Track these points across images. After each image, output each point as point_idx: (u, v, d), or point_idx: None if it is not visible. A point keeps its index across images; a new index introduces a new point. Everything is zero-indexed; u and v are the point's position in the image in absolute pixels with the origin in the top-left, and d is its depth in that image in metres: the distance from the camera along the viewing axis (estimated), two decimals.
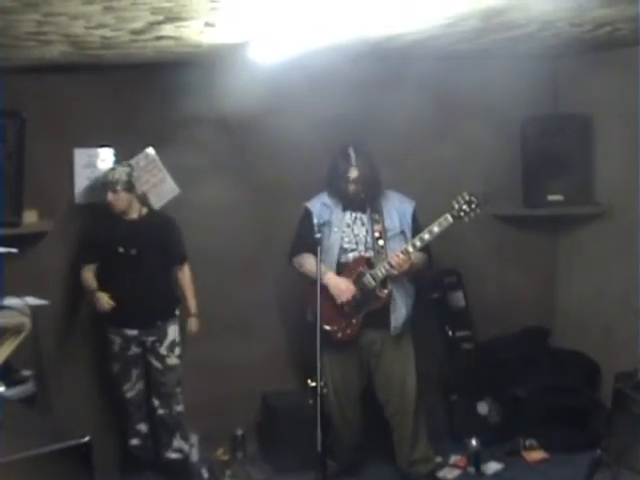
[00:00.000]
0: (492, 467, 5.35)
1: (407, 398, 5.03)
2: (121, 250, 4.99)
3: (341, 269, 4.94)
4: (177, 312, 5.19)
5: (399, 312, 4.94)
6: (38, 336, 4.79)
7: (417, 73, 5.53)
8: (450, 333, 5.83)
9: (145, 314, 5.05)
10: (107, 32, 3.73)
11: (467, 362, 5.79)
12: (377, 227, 4.94)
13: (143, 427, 5.26)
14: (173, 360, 5.15)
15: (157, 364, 5.12)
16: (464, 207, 4.78)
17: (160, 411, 5.20)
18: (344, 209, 4.99)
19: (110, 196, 4.96)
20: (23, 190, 4.90)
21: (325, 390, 4.09)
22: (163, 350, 5.11)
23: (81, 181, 5.30)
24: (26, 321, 3.95)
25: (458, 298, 5.88)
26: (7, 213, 4.79)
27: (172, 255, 5.12)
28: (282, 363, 5.71)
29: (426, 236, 4.79)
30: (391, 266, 4.80)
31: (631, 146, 5.24)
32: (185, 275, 5.19)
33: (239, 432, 5.53)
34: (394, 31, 4.23)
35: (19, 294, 4.14)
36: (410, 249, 4.79)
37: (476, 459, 5.31)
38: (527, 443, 5.51)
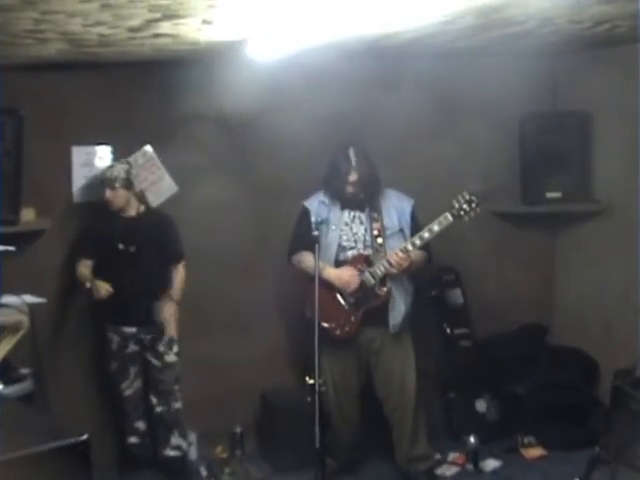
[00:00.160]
0: (490, 464, 5.36)
1: (407, 395, 5.03)
2: (120, 247, 4.99)
3: (339, 267, 4.93)
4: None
5: (398, 310, 4.94)
6: (36, 334, 4.79)
7: (415, 71, 5.53)
8: (448, 330, 5.83)
9: (143, 312, 5.04)
10: (104, 30, 3.73)
11: (465, 359, 5.79)
12: (376, 225, 4.94)
13: (141, 425, 5.26)
14: (171, 357, 5.14)
15: (155, 362, 5.12)
16: (464, 206, 4.78)
17: (158, 409, 5.20)
18: (342, 208, 4.99)
19: (108, 193, 4.96)
20: (21, 188, 4.90)
21: (324, 388, 4.08)
22: (161, 347, 5.11)
23: (79, 179, 5.30)
24: (24, 319, 3.95)
25: (456, 295, 5.88)
26: (5, 211, 4.79)
27: (169, 253, 5.11)
28: (281, 361, 5.71)
29: (426, 235, 4.78)
30: (390, 265, 4.80)
31: (630, 143, 5.24)
32: (179, 273, 5.16)
33: (238, 430, 5.53)
34: (392, 29, 4.22)
35: (17, 292, 4.15)
36: (409, 247, 4.79)
37: (474, 456, 5.32)
38: (525, 440, 5.52)
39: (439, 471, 5.27)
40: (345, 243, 4.95)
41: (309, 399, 4.02)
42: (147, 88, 5.31)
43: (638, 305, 4.86)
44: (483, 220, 5.70)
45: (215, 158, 5.54)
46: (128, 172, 5.01)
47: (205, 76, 5.27)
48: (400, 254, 4.78)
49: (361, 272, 4.88)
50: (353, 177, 4.86)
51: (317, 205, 5.01)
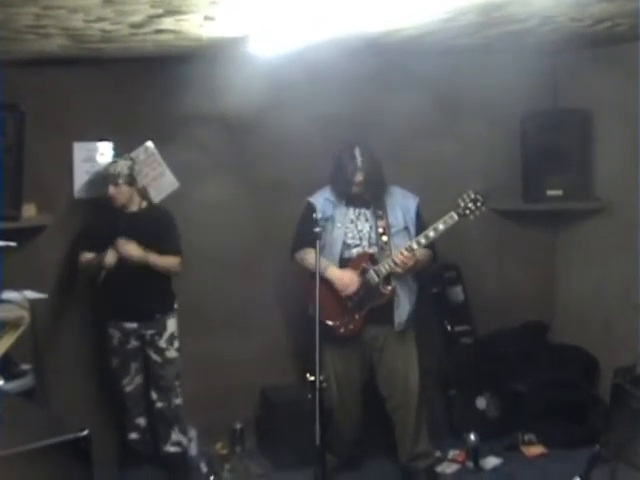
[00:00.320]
0: (491, 462, 5.36)
1: (410, 393, 5.02)
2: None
3: (344, 265, 4.92)
4: (176, 305, 5.18)
5: (403, 308, 4.93)
6: (37, 330, 4.79)
7: (417, 68, 5.52)
8: (449, 328, 5.83)
9: (144, 307, 5.04)
10: (106, 25, 3.73)
11: (466, 357, 5.79)
12: (381, 223, 4.92)
13: (142, 421, 5.26)
14: (172, 353, 5.14)
15: (156, 357, 5.12)
16: (469, 205, 4.76)
17: (159, 404, 5.20)
18: (347, 205, 4.97)
19: (111, 189, 4.96)
20: (22, 184, 4.90)
21: (325, 384, 4.07)
22: (162, 343, 5.11)
23: (80, 175, 5.30)
24: (25, 315, 3.95)
25: (457, 293, 5.88)
26: (6, 207, 4.79)
27: (166, 248, 5.08)
28: (281, 358, 5.71)
29: (431, 233, 4.76)
30: (395, 264, 4.78)
31: (630, 141, 5.24)
32: (170, 259, 5.06)
33: (238, 426, 5.54)
34: (393, 26, 4.22)
35: (18, 288, 4.15)
36: (415, 246, 4.77)
37: (475, 454, 5.32)
38: (526, 438, 5.51)
39: (439, 468, 5.27)
40: (350, 241, 4.93)
41: (310, 396, 4.01)
42: (149, 84, 5.31)
43: (638, 303, 4.86)
44: (484, 218, 5.71)
45: (216, 155, 5.54)
46: (131, 168, 5.01)
47: (207, 72, 5.27)
48: (405, 253, 4.76)
49: (366, 270, 4.86)
50: (359, 177, 4.84)
51: (322, 202, 4.99)
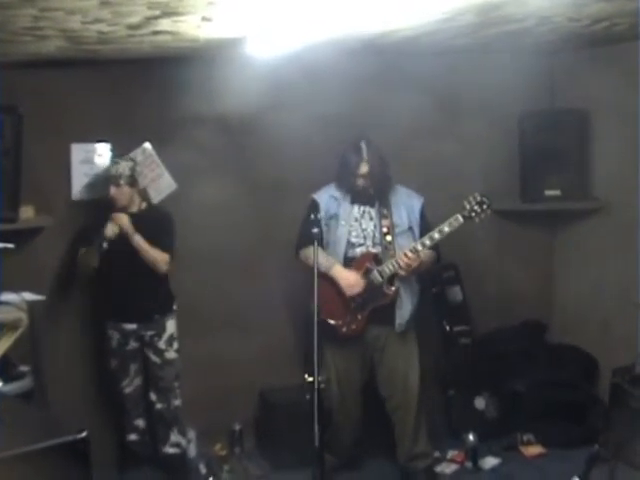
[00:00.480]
0: (489, 462, 5.36)
1: (410, 393, 5.01)
2: (121, 243, 4.98)
3: (348, 264, 4.90)
4: (175, 306, 5.18)
5: (405, 309, 4.92)
6: (35, 331, 4.79)
7: (415, 68, 5.52)
8: (448, 328, 5.83)
9: (144, 308, 5.04)
10: (104, 27, 3.73)
11: (464, 357, 5.79)
12: (385, 222, 4.91)
13: (141, 422, 5.26)
14: (171, 354, 5.14)
15: (155, 358, 5.12)
16: (475, 207, 4.73)
17: (158, 406, 5.19)
18: (352, 202, 4.96)
19: (113, 190, 4.96)
20: (20, 185, 4.89)
21: (323, 385, 4.07)
22: (162, 344, 5.11)
23: (78, 177, 5.29)
24: (23, 316, 3.96)
25: (456, 293, 5.88)
26: (4, 209, 4.77)
27: (157, 244, 5.05)
28: (281, 359, 5.70)
29: (436, 235, 4.74)
30: (399, 266, 4.76)
31: (628, 141, 5.24)
32: (161, 254, 5.00)
33: (237, 427, 5.54)
34: (391, 26, 4.23)
35: (16, 289, 4.15)
36: (419, 248, 4.75)
37: (473, 454, 5.32)
38: (524, 438, 5.52)
39: (438, 469, 5.27)
40: (354, 239, 4.92)
41: (308, 397, 4.01)
42: (146, 85, 5.31)
43: (637, 302, 4.86)
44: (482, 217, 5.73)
45: (214, 156, 5.53)
46: (133, 169, 5.01)
47: (204, 74, 5.27)
48: (409, 254, 4.73)
49: (369, 270, 4.85)
50: (364, 169, 4.83)
51: (327, 199, 4.97)
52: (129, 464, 5.30)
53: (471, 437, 5.33)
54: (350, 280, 4.86)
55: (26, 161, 4.91)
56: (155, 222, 5.06)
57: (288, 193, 5.54)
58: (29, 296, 4.29)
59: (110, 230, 4.90)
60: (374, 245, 4.91)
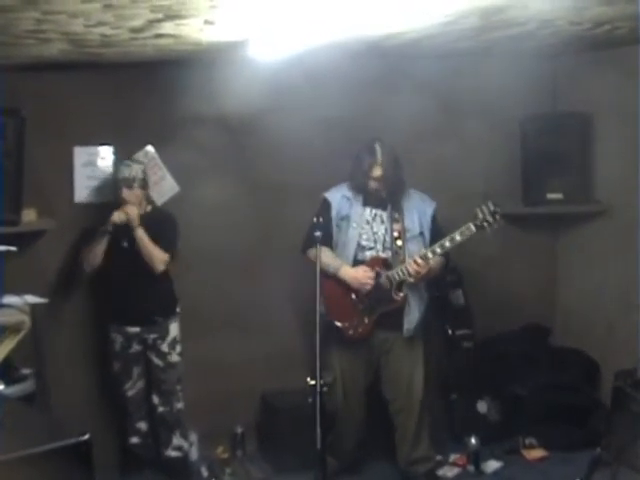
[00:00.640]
0: (492, 465, 5.35)
1: (413, 397, 5.00)
2: (125, 245, 4.98)
3: (357, 266, 4.87)
4: (178, 309, 5.18)
5: (413, 316, 4.90)
6: (37, 334, 4.79)
7: (417, 71, 5.53)
8: (450, 331, 5.82)
9: (147, 311, 5.05)
10: (106, 30, 3.73)
11: (467, 360, 5.78)
12: (396, 226, 4.86)
13: (143, 425, 5.26)
14: (174, 357, 5.15)
15: (158, 361, 5.12)
16: (488, 217, 4.65)
17: (160, 409, 5.19)
18: (364, 204, 4.91)
19: (125, 192, 4.95)
20: (22, 188, 4.90)
21: (325, 388, 4.06)
22: (165, 347, 5.11)
23: (81, 179, 5.30)
24: (25, 319, 3.94)
25: (458, 296, 5.87)
26: (6, 211, 4.78)
27: (160, 246, 5.06)
28: (282, 361, 5.69)
29: (447, 243, 4.68)
30: (409, 273, 4.73)
31: (630, 144, 5.24)
32: (161, 252, 5.01)
33: (239, 430, 5.53)
34: (394, 29, 4.23)
35: (18, 292, 4.14)
36: (430, 255, 4.70)
37: (476, 457, 5.31)
38: (527, 441, 5.51)
39: (440, 472, 5.26)
40: (364, 243, 4.88)
41: (310, 400, 4.01)
42: (149, 88, 5.31)
43: (638, 304, 4.85)
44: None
45: (216, 158, 5.54)
46: (144, 172, 5.03)
47: (207, 76, 5.27)
48: (419, 261, 4.69)
49: (378, 275, 4.81)
50: (377, 172, 4.78)
51: (339, 199, 4.93)
52: (131, 467, 5.30)
53: (473, 440, 5.32)
54: (360, 278, 4.81)
55: (28, 164, 4.92)
56: (159, 224, 5.06)
57: (288, 194, 5.55)
58: (31, 299, 4.27)
59: (117, 217, 4.90)
60: (384, 249, 4.87)
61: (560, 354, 5.92)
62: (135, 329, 5.06)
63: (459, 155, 5.81)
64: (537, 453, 5.46)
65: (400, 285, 4.81)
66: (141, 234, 4.93)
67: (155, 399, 5.20)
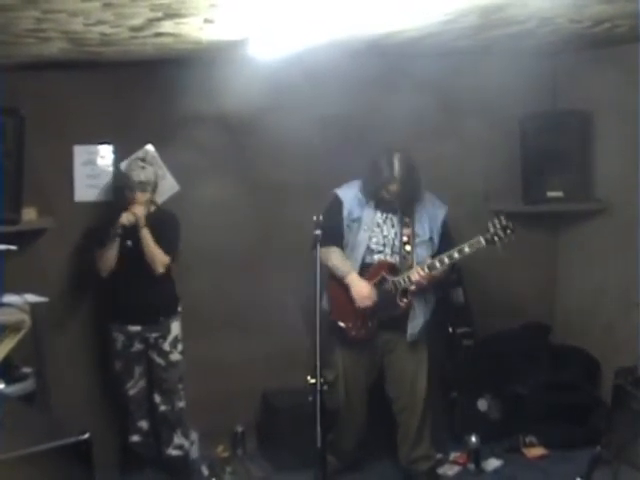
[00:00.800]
0: (492, 464, 5.36)
1: (417, 396, 4.99)
2: (129, 244, 4.98)
3: (365, 270, 4.84)
4: (180, 308, 5.19)
5: (417, 321, 4.88)
6: (38, 333, 4.79)
7: (417, 70, 5.52)
8: (450, 330, 5.82)
9: (149, 310, 5.05)
10: (106, 29, 3.73)
11: (467, 359, 5.79)
12: (406, 231, 4.82)
13: (144, 424, 5.26)
14: (176, 356, 5.15)
15: (160, 360, 5.12)
16: (499, 232, 4.65)
17: (162, 407, 5.19)
18: (376, 207, 4.85)
19: (139, 195, 4.95)
20: (22, 187, 4.90)
21: (325, 387, 4.06)
22: (166, 346, 5.11)
23: (80, 178, 5.30)
24: (25, 318, 3.95)
25: (458, 295, 5.87)
26: (6, 210, 4.79)
27: (163, 247, 5.06)
28: (282, 360, 5.69)
29: (455, 255, 4.66)
30: (411, 281, 4.71)
31: (630, 143, 5.24)
32: (162, 254, 5.02)
33: (239, 429, 5.54)
34: (394, 28, 4.22)
35: (18, 291, 4.15)
36: (437, 265, 4.68)
37: (476, 456, 5.32)
38: (527, 440, 5.51)
39: (441, 470, 5.27)
40: (374, 246, 4.84)
41: (310, 398, 4.01)
42: (149, 87, 5.31)
43: (638, 301, 4.85)
44: (485, 219, 5.72)
45: (216, 158, 5.54)
46: (156, 174, 5.04)
47: (207, 75, 5.27)
48: (422, 273, 4.66)
49: (385, 280, 4.78)
50: (393, 187, 4.70)
51: (351, 199, 4.88)
52: (132, 466, 5.30)
53: (473, 439, 5.33)
54: (363, 292, 4.78)
55: (28, 163, 4.92)
56: (162, 224, 5.06)
57: (289, 194, 5.55)
58: (32, 298, 4.28)
59: (125, 218, 4.89)
60: (392, 253, 4.83)
61: (560, 352, 5.92)
62: (137, 328, 5.07)
63: (459, 153, 5.81)
64: (537, 451, 5.47)
65: (405, 291, 4.78)
66: (146, 234, 4.93)
67: (157, 398, 5.20)
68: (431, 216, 4.89)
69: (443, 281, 5.03)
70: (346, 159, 5.43)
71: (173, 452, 5.26)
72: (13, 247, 4.39)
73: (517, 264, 6.12)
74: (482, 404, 5.68)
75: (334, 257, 4.84)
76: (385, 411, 5.12)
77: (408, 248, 4.83)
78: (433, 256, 4.80)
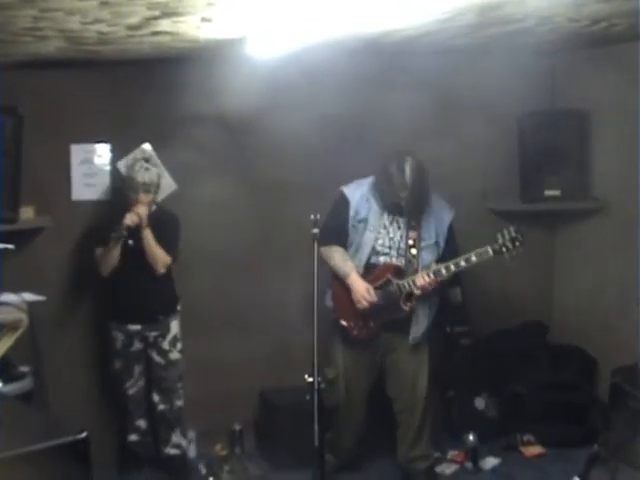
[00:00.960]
0: (489, 462, 5.36)
1: (417, 396, 4.97)
2: (130, 243, 4.97)
3: (369, 271, 4.82)
4: (179, 307, 5.19)
5: (421, 324, 4.86)
6: (36, 332, 4.80)
7: (415, 68, 5.51)
8: (448, 329, 5.82)
9: (149, 309, 5.05)
10: (103, 27, 3.73)
11: (464, 358, 5.79)
12: (412, 234, 4.79)
13: (142, 423, 5.26)
14: (175, 355, 5.15)
15: (159, 359, 5.12)
16: (507, 243, 4.64)
17: (161, 406, 5.19)
18: (383, 208, 4.81)
19: (143, 197, 4.94)
20: (20, 186, 4.89)
21: (323, 385, 4.05)
22: (166, 345, 5.11)
23: (78, 177, 5.31)
24: (23, 317, 3.96)
25: (455, 294, 5.87)
26: (4, 209, 4.78)
27: (164, 247, 5.05)
28: (281, 359, 5.69)
29: (462, 263, 4.64)
30: (416, 286, 4.69)
31: (628, 141, 5.24)
32: (164, 253, 5.03)
33: (237, 427, 5.53)
34: (391, 26, 4.22)
35: (16, 290, 4.15)
36: (443, 272, 4.67)
37: (474, 454, 5.33)
38: (525, 438, 5.52)
39: (439, 469, 5.27)
40: (379, 247, 4.80)
41: (308, 397, 4.00)
42: (146, 86, 5.31)
43: (638, 298, 4.85)
44: (482, 218, 5.73)
45: (214, 156, 5.53)
46: (159, 175, 5.04)
47: (204, 74, 5.27)
48: (427, 279, 4.65)
49: (389, 282, 4.76)
50: (404, 193, 4.65)
51: (359, 198, 4.84)
52: (130, 465, 5.30)
53: (471, 437, 5.33)
54: (362, 293, 4.74)
55: (26, 162, 4.92)
56: (163, 224, 5.05)
57: (288, 193, 5.54)
58: (29, 297, 4.29)
59: (129, 219, 4.89)
60: (398, 256, 4.80)
61: (558, 351, 5.92)
62: (136, 327, 5.06)
63: (457, 152, 5.80)
64: (535, 450, 5.47)
65: (409, 295, 4.75)
66: (148, 235, 4.93)
67: (155, 397, 5.20)
68: (438, 219, 4.87)
69: (445, 284, 5.01)
70: (345, 157, 5.44)
71: (171, 451, 5.26)
72: (10, 246, 4.39)
73: (514, 263, 6.10)
74: (480, 403, 5.69)
75: (336, 257, 4.83)
76: (384, 410, 5.11)
77: (414, 251, 4.80)
78: (438, 260, 4.79)
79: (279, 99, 5.42)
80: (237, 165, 5.58)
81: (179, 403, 5.21)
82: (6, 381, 4.38)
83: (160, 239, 4.99)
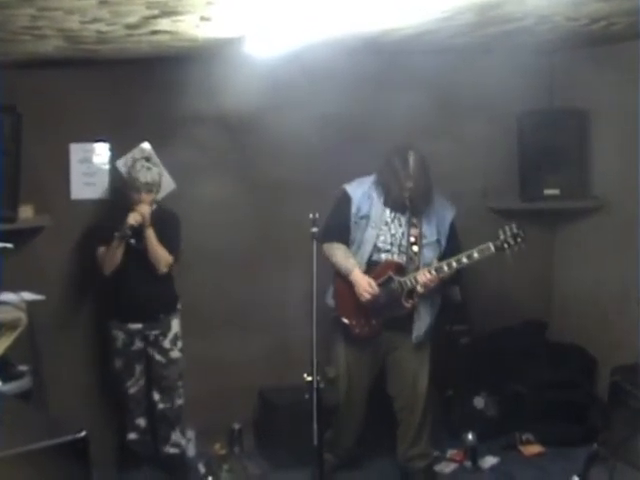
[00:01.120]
0: (489, 461, 5.36)
1: (418, 395, 4.97)
2: (132, 242, 4.97)
3: (371, 268, 4.81)
4: (179, 306, 5.18)
5: (423, 322, 4.86)
6: (35, 331, 4.80)
7: (414, 67, 5.51)
8: (447, 327, 5.82)
9: (149, 308, 5.05)
10: (102, 26, 3.72)
11: (464, 356, 5.79)
12: (414, 232, 4.78)
13: (142, 422, 5.25)
14: (176, 353, 5.15)
15: (160, 358, 5.12)
16: (509, 240, 4.65)
17: (161, 405, 5.19)
18: (385, 204, 4.81)
19: (145, 196, 4.95)
20: (19, 185, 4.90)
21: (322, 385, 4.05)
22: (167, 343, 5.11)
23: (77, 176, 5.31)
24: (22, 316, 3.95)
25: (455, 293, 5.87)
26: (3, 208, 4.78)
27: (165, 247, 5.05)
28: (280, 358, 5.69)
29: (464, 260, 4.64)
30: (418, 283, 4.68)
31: (628, 140, 5.23)
32: (166, 253, 5.03)
33: (236, 426, 5.53)
34: (391, 25, 4.22)
35: (15, 289, 4.15)
36: (445, 269, 4.67)
37: (473, 453, 5.33)
38: (524, 437, 5.52)
39: (438, 468, 5.28)
40: (381, 244, 4.80)
41: (307, 396, 4.00)
42: (145, 85, 5.31)
43: (638, 297, 4.84)
44: (482, 216, 5.73)
45: (214, 155, 5.53)
46: (161, 175, 5.04)
47: (203, 73, 5.27)
48: (428, 276, 4.65)
49: (391, 279, 4.75)
50: (409, 184, 4.65)
51: (360, 195, 4.84)
52: (129, 464, 5.30)
53: (470, 436, 5.34)
54: (365, 286, 4.73)
55: (25, 161, 4.92)
56: (163, 223, 5.05)
57: (288, 192, 5.54)
58: (28, 296, 4.28)
59: (133, 219, 4.89)
60: (400, 253, 4.79)
61: (558, 350, 5.92)
62: (137, 325, 5.06)
63: (456, 151, 5.80)
64: (534, 449, 5.47)
65: (411, 292, 4.75)
66: (150, 234, 4.94)
67: (156, 396, 5.20)
68: (439, 217, 4.86)
69: (447, 282, 5.01)
70: (345, 156, 5.43)
71: (170, 450, 5.25)
72: (9, 245, 4.39)
73: (514, 261, 6.10)
74: (479, 402, 5.69)
75: (339, 254, 4.83)
76: (384, 409, 5.11)
77: (415, 249, 4.79)
78: (439, 258, 4.78)
79: (278, 98, 5.42)
80: (237, 164, 5.59)
81: (179, 402, 5.21)
82: (5, 380, 4.38)
83: (161, 238, 4.99)
